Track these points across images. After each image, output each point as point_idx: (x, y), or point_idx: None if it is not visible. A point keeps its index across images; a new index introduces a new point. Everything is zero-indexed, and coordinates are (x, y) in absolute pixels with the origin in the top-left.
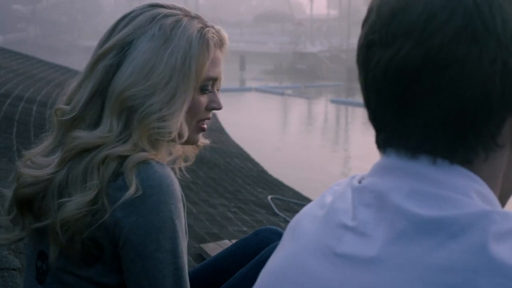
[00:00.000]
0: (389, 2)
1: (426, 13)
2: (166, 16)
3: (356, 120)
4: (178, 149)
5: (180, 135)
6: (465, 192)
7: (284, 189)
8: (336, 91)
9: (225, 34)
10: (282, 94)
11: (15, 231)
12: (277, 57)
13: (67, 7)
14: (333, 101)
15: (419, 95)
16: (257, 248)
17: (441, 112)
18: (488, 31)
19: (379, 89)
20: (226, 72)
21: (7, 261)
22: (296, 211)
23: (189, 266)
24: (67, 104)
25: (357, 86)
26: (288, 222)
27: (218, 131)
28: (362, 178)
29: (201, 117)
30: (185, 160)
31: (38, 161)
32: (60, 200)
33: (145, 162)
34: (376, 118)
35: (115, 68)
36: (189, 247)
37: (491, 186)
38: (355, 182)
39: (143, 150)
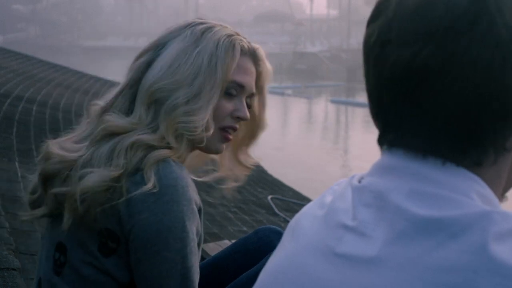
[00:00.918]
0: (408, 0)
1: (449, 15)
2: (200, 23)
3: (356, 120)
4: (227, 170)
5: (205, 130)
6: (466, 192)
7: (284, 189)
8: (336, 91)
9: (261, 51)
10: (282, 94)
11: (38, 208)
12: (277, 57)
13: (67, 7)
14: (333, 101)
15: (437, 96)
16: (257, 247)
17: (461, 115)
18: (511, 36)
19: (393, 88)
20: None
21: (7, 261)
22: (296, 211)
23: None
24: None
25: (357, 86)
26: (288, 222)
27: None
28: (362, 178)
29: (226, 124)
30: (236, 181)
31: (67, 146)
32: (84, 170)
33: (164, 161)
34: (386, 117)
35: (147, 64)
36: None
37: (495, 187)
38: (355, 182)
39: (168, 144)
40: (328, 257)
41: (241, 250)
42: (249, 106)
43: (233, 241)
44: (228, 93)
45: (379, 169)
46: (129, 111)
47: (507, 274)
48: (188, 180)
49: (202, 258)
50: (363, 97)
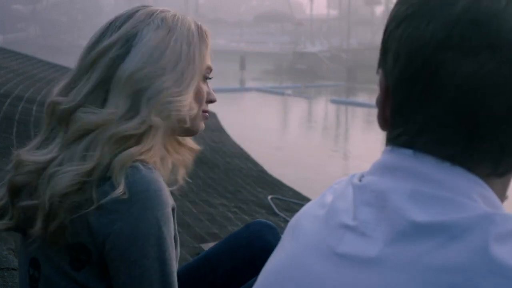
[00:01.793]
0: (475, 7)
1: None
2: (163, 11)
3: (356, 120)
4: (177, 157)
5: (190, 117)
6: (468, 194)
7: (284, 189)
8: (336, 91)
9: (209, 31)
10: (282, 94)
11: (3, 220)
12: (277, 57)
13: (67, 7)
14: (333, 101)
15: (493, 110)
16: (248, 241)
17: (504, 132)
18: None
19: (447, 97)
20: (226, 72)
21: (7, 261)
22: (296, 211)
23: None
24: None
25: (357, 86)
26: (288, 222)
27: (218, 131)
28: (362, 176)
29: (205, 108)
30: (185, 167)
31: (36, 152)
32: (53, 170)
33: (132, 166)
34: (410, 118)
35: (121, 58)
36: (189, 247)
37: (499, 190)
38: (356, 180)
39: (148, 130)
40: (328, 257)
41: (233, 245)
42: None
43: None
44: (205, 78)
45: (381, 168)
46: (103, 103)
47: (507, 275)
48: (159, 182)
49: None
50: (363, 97)
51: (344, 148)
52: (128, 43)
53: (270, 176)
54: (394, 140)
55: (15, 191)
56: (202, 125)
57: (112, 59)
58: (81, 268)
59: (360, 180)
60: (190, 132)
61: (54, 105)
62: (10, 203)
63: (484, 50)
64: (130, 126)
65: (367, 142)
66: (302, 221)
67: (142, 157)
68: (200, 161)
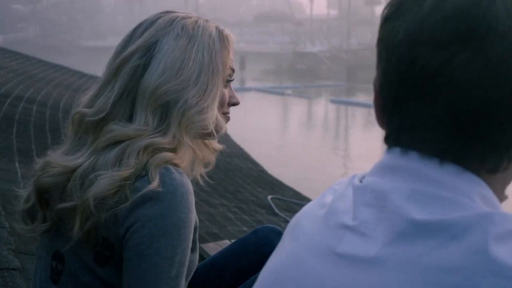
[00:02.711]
0: (444, 2)
1: (487, 22)
2: (184, 18)
3: (356, 120)
4: (198, 153)
5: (218, 127)
6: (467, 194)
7: (284, 189)
8: (336, 91)
9: (231, 35)
10: (282, 94)
11: (37, 222)
12: (277, 57)
13: (67, 7)
14: (333, 101)
15: (463, 103)
16: (256, 247)
17: (482, 123)
18: None
19: (417, 91)
20: None
21: (7, 261)
22: (296, 211)
23: None
24: (89, 107)
25: (357, 86)
26: (288, 222)
27: None
28: (363, 177)
29: (225, 110)
30: (205, 166)
31: (63, 157)
32: (91, 176)
33: (165, 168)
34: (401, 117)
35: (142, 68)
36: None
37: (498, 190)
38: (356, 181)
39: (178, 145)
40: (328, 257)
41: (240, 250)
42: None
43: (233, 241)
44: (227, 81)
45: (381, 169)
46: (130, 117)
47: (507, 275)
48: (188, 187)
49: (202, 258)
50: (363, 97)
51: (344, 148)
52: (148, 53)
53: (270, 176)
54: (386, 140)
55: (42, 192)
56: (224, 126)
57: (133, 69)
58: (105, 264)
59: (360, 181)
60: (213, 135)
61: (81, 116)
62: (38, 205)
63: (454, 43)
64: (165, 142)
65: (367, 142)
66: (302, 221)
67: (175, 161)
68: None
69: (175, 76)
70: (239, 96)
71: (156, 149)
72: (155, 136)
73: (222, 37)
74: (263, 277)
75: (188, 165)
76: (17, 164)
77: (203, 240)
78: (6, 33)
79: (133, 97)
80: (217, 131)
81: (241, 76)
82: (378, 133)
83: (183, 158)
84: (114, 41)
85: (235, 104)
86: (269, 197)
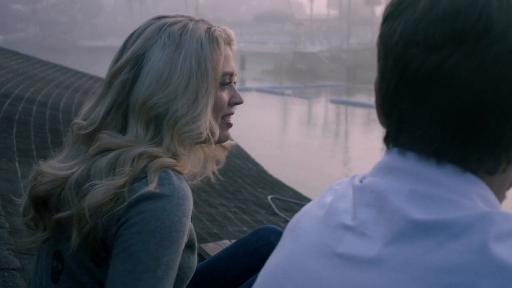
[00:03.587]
0: (439, 2)
1: (482, 23)
2: (172, 24)
3: (356, 120)
4: (208, 152)
5: (212, 134)
6: (467, 194)
7: (284, 189)
8: (336, 91)
9: (231, 32)
10: (282, 94)
11: (37, 232)
12: (277, 57)
13: (67, 7)
14: (333, 101)
15: (459, 104)
16: (256, 247)
17: (479, 124)
18: None
19: (413, 91)
20: None
21: (7, 261)
22: (296, 211)
23: None
24: (85, 119)
25: (357, 86)
26: (288, 222)
27: None
28: (364, 178)
29: (225, 112)
30: (217, 163)
31: (56, 165)
32: (86, 186)
33: (165, 171)
34: (400, 117)
35: (131, 81)
36: None
37: (498, 190)
38: (357, 182)
39: (175, 154)
40: (328, 257)
41: (240, 250)
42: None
43: (233, 241)
44: (222, 84)
45: (381, 169)
46: (123, 129)
47: (507, 275)
48: (185, 192)
49: (202, 258)
50: (363, 97)
51: (344, 148)
52: (137, 65)
53: (270, 176)
54: (385, 140)
55: (38, 202)
56: (227, 133)
57: (123, 82)
58: (102, 265)
59: (361, 182)
60: (209, 141)
61: (77, 127)
62: (37, 215)
63: (448, 44)
64: (160, 151)
65: (367, 142)
66: (302, 221)
67: (176, 168)
68: None
69: (162, 88)
70: None
71: (153, 156)
72: (150, 146)
73: (212, 39)
74: (263, 277)
75: (198, 166)
76: (17, 164)
77: (203, 240)
78: (6, 33)
79: (125, 111)
80: (213, 137)
81: (241, 76)
82: (378, 133)
83: (185, 166)
84: (114, 41)
85: (237, 103)
86: (269, 197)
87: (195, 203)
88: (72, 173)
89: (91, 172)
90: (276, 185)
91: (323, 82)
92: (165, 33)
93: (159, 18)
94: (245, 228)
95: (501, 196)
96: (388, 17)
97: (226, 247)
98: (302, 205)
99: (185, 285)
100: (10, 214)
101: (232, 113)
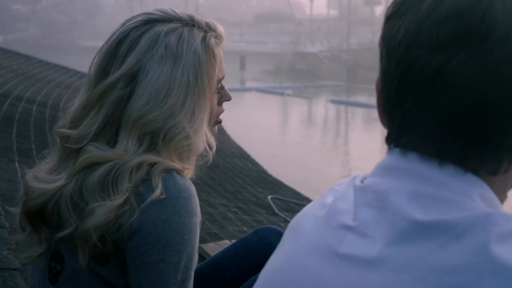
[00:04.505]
0: (442, 2)
1: (486, 24)
2: (167, 33)
3: (356, 120)
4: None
5: (209, 147)
6: (468, 195)
7: (284, 189)
8: (336, 91)
9: (220, 28)
10: (282, 94)
11: (33, 247)
12: (277, 57)
13: (67, 7)
14: (333, 101)
15: (462, 105)
16: (257, 248)
17: (481, 124)
18: None
19: (416, 92)
20: (226, 72)
21: (7, 261)
22: (296, 211)
23: None
24: (71, 127)
25: (357, 86)
26: (288, 222)
27: (218, 131)
28: (365, 178)
29: (217, 114)
30: (210, 148)
31: (44, 177)
32: (90, 207)
33: (168, 172)
34: (402, 117)
35: (127, 97)
36: None
37: (499, 191)
38: (358, 182)
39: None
40: (329, 258)
41: (241, 251)
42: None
43: (233, 241)
44: (216, 93)
45: (382, 170)
46: (111, 142)
47: (508, 275)
48: (192, 192)
49: (202, 258)
50: (363, 97)
51: (344, 148)
52: (133, 81)
53: (270, 176)
54: (387, 140)
55: (32, 217)
56: (215, 130)
57: (119, 98)
58: (105, 263)
59: (362, 182)
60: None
61: (65, 138)
62: (33, 230)
63: (452, 45)
64: (159, 160)
65: (367, 142)
66: (303, 221)
67: (180, 172)
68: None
69: (160, 104)
70: (239, 96)
71: (154, 163)
72: (148, 155)
73: (207, 50)
74: (263, 278)
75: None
76: (17, 164)
77: (203, 240)
78: (6, 33)
79: (117, 126)
80: (211, 150)
81: (241, 76)
82: (378, 133)
83: (189, 171)
84: None
85: (227, 100)
86: (269, 197)
87: None
88: (62, 185)
89: (83, 189)
90: (276, 185)
91: (323, 82)
92: (161, 46)
93: (149, 22)
94: (245, 228)
95: (502, 197)
96: (391, 16)
97: (226, 247)
98: (302, 205)
99: None
100: (10, 214)
101: (222, 111)
